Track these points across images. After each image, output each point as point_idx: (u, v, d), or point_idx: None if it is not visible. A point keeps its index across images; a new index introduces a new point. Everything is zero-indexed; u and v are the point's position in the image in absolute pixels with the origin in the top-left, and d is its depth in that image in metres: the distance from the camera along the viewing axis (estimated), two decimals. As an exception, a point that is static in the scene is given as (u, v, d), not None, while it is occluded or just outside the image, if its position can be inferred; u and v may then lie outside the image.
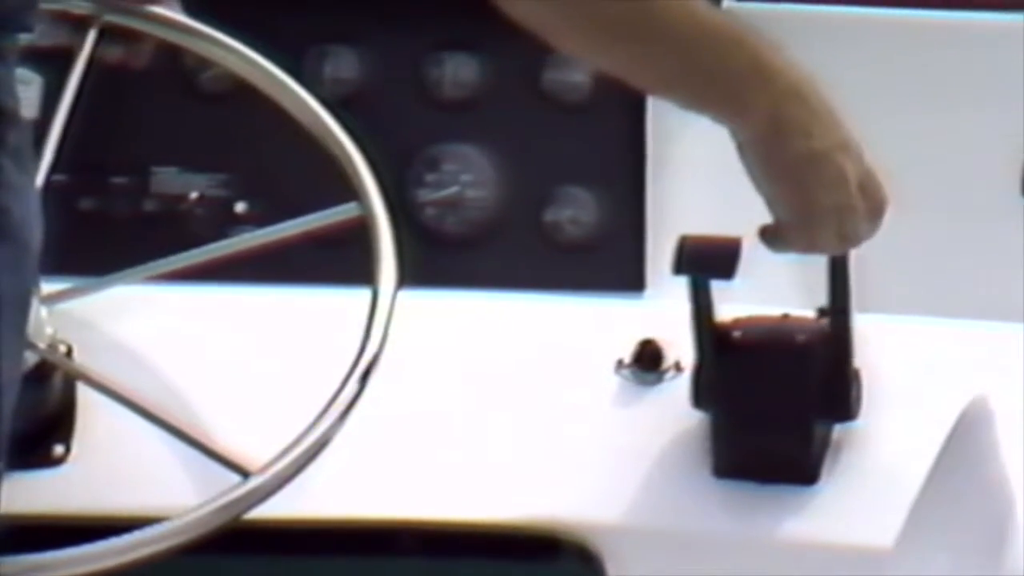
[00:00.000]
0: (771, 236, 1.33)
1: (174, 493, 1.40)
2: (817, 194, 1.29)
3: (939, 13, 1.67)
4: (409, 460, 1.48)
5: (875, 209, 1.32)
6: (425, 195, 1.64)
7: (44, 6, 1.48)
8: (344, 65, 1.67)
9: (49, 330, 1.45)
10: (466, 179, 1.66)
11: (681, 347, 1.49)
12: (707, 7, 1.25)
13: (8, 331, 1.12)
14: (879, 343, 1.48)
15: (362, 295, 1.43)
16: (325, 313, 1.53)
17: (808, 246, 1.32)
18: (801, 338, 1.44)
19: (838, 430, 1.48)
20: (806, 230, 1.31)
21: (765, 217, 1.34)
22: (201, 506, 1.34)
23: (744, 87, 1.27)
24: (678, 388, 1.50)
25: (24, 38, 1.13)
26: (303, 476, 1.36)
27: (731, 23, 1.27)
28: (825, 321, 1.45)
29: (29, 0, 1.14)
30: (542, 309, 1.57)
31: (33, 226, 1.15)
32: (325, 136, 1.47)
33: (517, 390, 1.52)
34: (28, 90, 1.63)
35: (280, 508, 1.37)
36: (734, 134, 1.29)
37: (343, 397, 1.38)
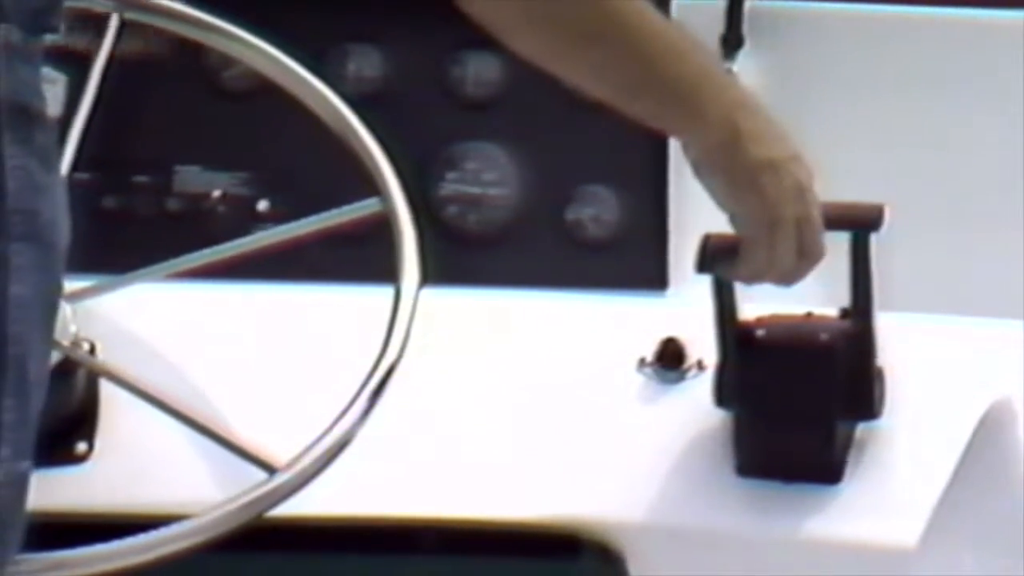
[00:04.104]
0: (723, 260, 1.33)
1: (196, 490, 1.40)
2: (778, 203, 1.30)
3: (963, 11, 1.67)
4: (431, 458, 1.48)
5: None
6: (447, 193, 1.65)
7: (66, 4, 1.49)
8: (367, 64, 1.68)
9: (72, 327, 1.46)
10: (488, 178, 1.66)
11: (703, 346, 1.49)
12: (660, 15, 1.26)
13: (36, 332, 1.12)
14: (902, 342, 1.48)
15: (385, 293, 1.43)
16: (348, 311, 1.53)
17: (768, 261, 1.32)
18: (824, 337, 1.44)
19: (861, 429, 1.48)
20: (768, 242, 1.31)
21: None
22: (225, 503, 1.34)
23: (700, 93, 1.27)
24: (700, 387, 1.50)
25: (49, 38, 1.13)
26: (325, 474, 1.36)
27: (682, 32, 1.28)
28: (848, 320, 1.45)
29: (53, 0, 1.15)
30: (564, 307, 1.57)
31: (60, 226, 1.15)
32: (348, 134, 1.48)
33: (539, 388, 1.52)
34: (53, 89, 1.63)
35: (302, 506, 1.37)
36: (690, 148, 1.30)
37: (365, 395, 1.39)
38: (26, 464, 1.12)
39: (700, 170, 1.30)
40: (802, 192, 1.31)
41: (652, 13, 1.26)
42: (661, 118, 1.30)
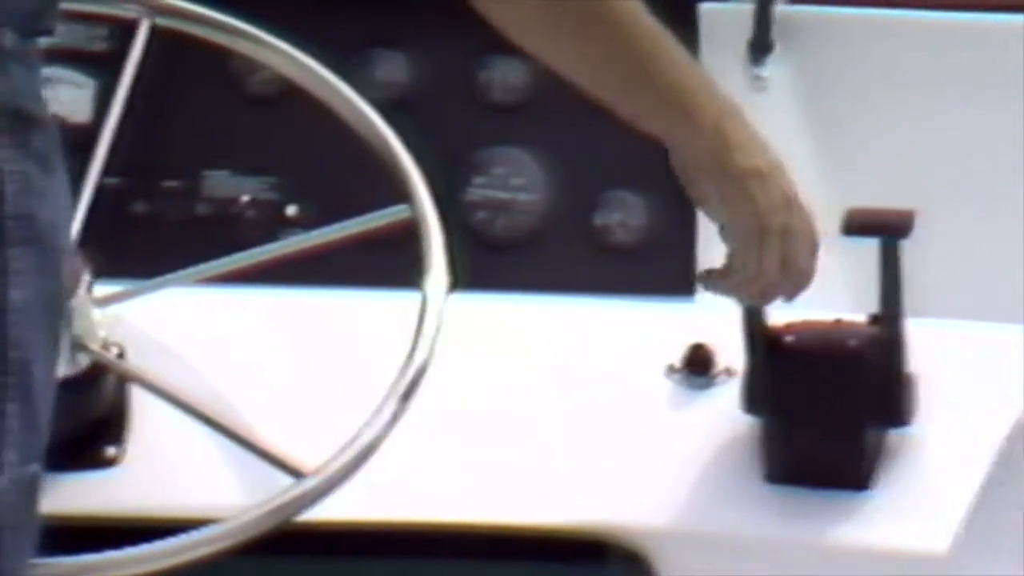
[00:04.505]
0: (715, 275, 1.33)
1: (225, 494, 1.41)
2: (766, 212, 1.30)
3: (993, 16, 1.67)
4: (458, 463, 1.48)
5: (810, 237, 1.33)
6: (475, 198, 1.65)
7: (95, 9, 1.49)
8: (394, 68, 1.68)
9: (102, 332, 1.46)
10: (516, 183, 1.66)
11: (732, 351, 1.49)
12: (653, 20, 1.27)
13: (39, 335, 1.12)
14: (933, 348, 1.47)
15: (412, 298, 1.43)
16: (375, 316, 1.53)
17: (753, 274, 1.32)
18: (854, 343, 1.43)
19: (892, 436, 1.47)
20: (755, 252, 1.31)
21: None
22: (253, 508, 1.34)
23: (690, 98, 1.28)
24: (728, 392, 1.49)
25: (44, 41, 1.13)
26: (353, 478, 1.37)
27: (672, 39, 1.29)
28: (878, 326, 1.45)
29: (46, 3, 1.14)
30: (592, 313, 1.57)
31: (61, 228, 1.15)
32: (375, 139, 1.48)
33: (566, 394, 1.52)
34: (80, 94, 1.64)
35: (329, 511, 1.37)
36: (679, 155, 1.30)
37: (393, 400, 1.38)
38: (35, 468, 1.12)
39: (690, 179, 1.31)
40: (788, 202, 1.31)
41: (646, 16, 1.27)
42: (653, 119, 1.30)
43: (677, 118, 1.29)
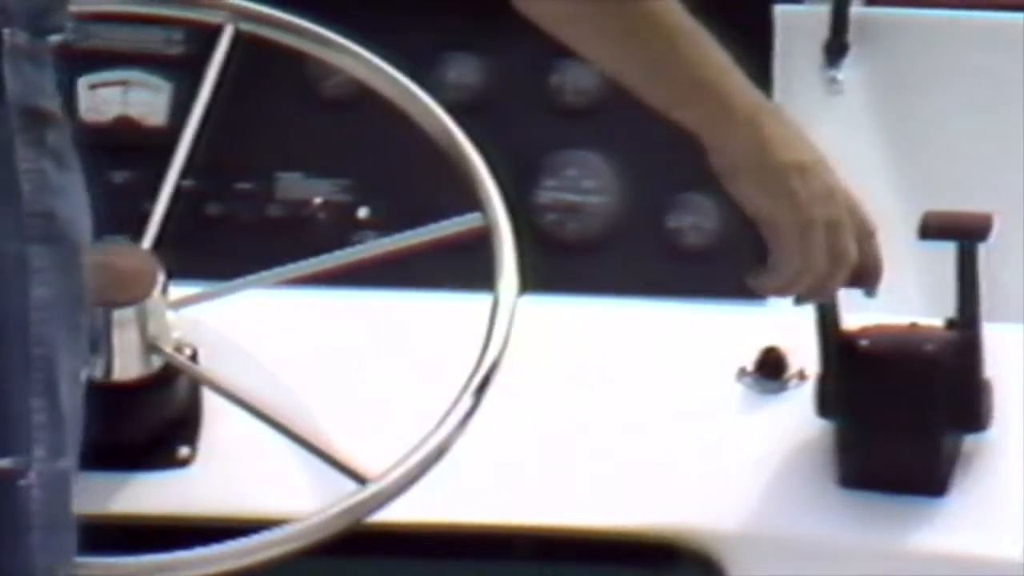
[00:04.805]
0: (762, 272, 1.33)
1: (295, 496, 1.41)
2: (809, 206, 1.30)
3: None
4: (528, 465, 1.48)
5: (861, 228, 1.33)
6: (546, 201, 1.64)
7: (179, 14, 1.50)
8: (467, 71, 1.68)
9: (176, 334, 1.47)
10: (587, 185, 1.66)
11: (805, 355, 1.48)
12: (689, 17, 1.28)
13: (62, 331, 1.13)
14: (1010, 353, 1.46)
15: (482, 300, 1.43)
16: (445, 318, 1.53)
17: (800, 269, 1.32)
18: (930, 348, 1.42)
19: (968, 441, 1.46)
20: (799, 247, 1.31)
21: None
22: (323, 510, 1.34)
23: (724, 86, 1.29)
24: (801, 396, 1.49)
25: (55, 39, 1.13)
26: (422, 480, 1.37)
27: (705, 32, 1.29)
28: (954, 331, 1.44)
29: (56, 1, 1.14)
30: (663, 316, 1.57)
31: (80, 224, 1.16)
32: (448, 142, 1.48)
33: (638, 396, 1.51)
34: (157, 97, 1.65)
35: (398, 512, 1.37)
36: (717, 154, 1.31)
37: (463, 404, 1.39)
38: (65, 463, 1.13)
39: (729, 177, 1.31)
40: (831, 194, 1.30)
41: (679, 10, 1.27)
42: (685, 107, 1.30)
43: (711, 113, 1.29)
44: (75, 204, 1.14)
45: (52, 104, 1.13)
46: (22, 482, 1.10)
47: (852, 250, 1.32)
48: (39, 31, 1.12)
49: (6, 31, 1.09)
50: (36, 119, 1.11)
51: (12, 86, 1.10)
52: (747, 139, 1.29)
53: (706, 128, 1.31)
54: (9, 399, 1.11)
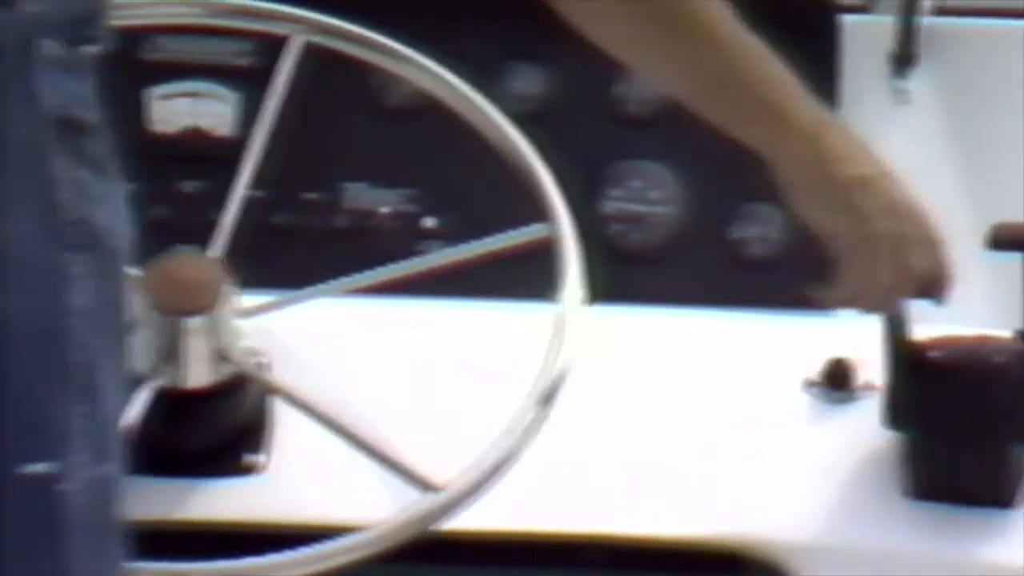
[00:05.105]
0: (827, 287, 1.33)
1: (363, 504, 1.42)
2: (872, 220, 1.30)
3: None
4: (594, 474, 1.48)
5: (927, 240, 1.32)
6: (610, 211, 1.66)
7: (248, 26, 1.51)
8: (531, 82, 1.69)
9: (245, 343, 1.48)
10: (652, 196, 1.67)
11: (872, 366, 1.48)
12: (746, 32, 1.27)
13: (101, 337, 1.14)
14: None
15: (548, 310, 1.44)
16: (512, 328, 1.54)
17: (866, 283, 1.31)
18: (999, 359, 1.42)
19: None
20: (864, 261, 1.31)
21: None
22: (393, 518, 1.35)
23: (783, 100, 1.28)
24: (868, 407, 1.48)
25: (90, 50, 1.14)
26: (489, 489, 1.37)
27: (764, 46, 1.29)
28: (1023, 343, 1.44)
29: (92, 11, 1.15)
30: (729, 326, 1.57)
31: (120, 232, 1.16)
32: (512, 152, 1.49)
33: (702, 406, 1.52)
34: (224, 108, 1.67)
35: (465, 521, 1.38)
36: (780, 169, 1.30)
37: (529, 413, 1.39)
38: (108, 469, 1.13)
39: (792, 192, 1.30)
40: (895, 208, 1.30)
41: (735, 25, 1.27)
42: (746, 126, 1.30)
43: (773, 130, 1.29)
44: (114, 213, 1.15)
45: (90, 114, 1.13)
46: (59, 487, 1.11)
47: (917, 264, 1.31)
48: (75, 41, 1.12)
49: (43, 42, 1.10)
50: (73, 128, 1.12)
51: (48, 96, 1.10)
52: (809, 154, 1.29)
53: (768, 145, 1.31)
54: (46, 405, 1.12)
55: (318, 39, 1.53)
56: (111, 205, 1.14)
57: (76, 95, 1.12)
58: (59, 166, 1.11)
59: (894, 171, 1.31)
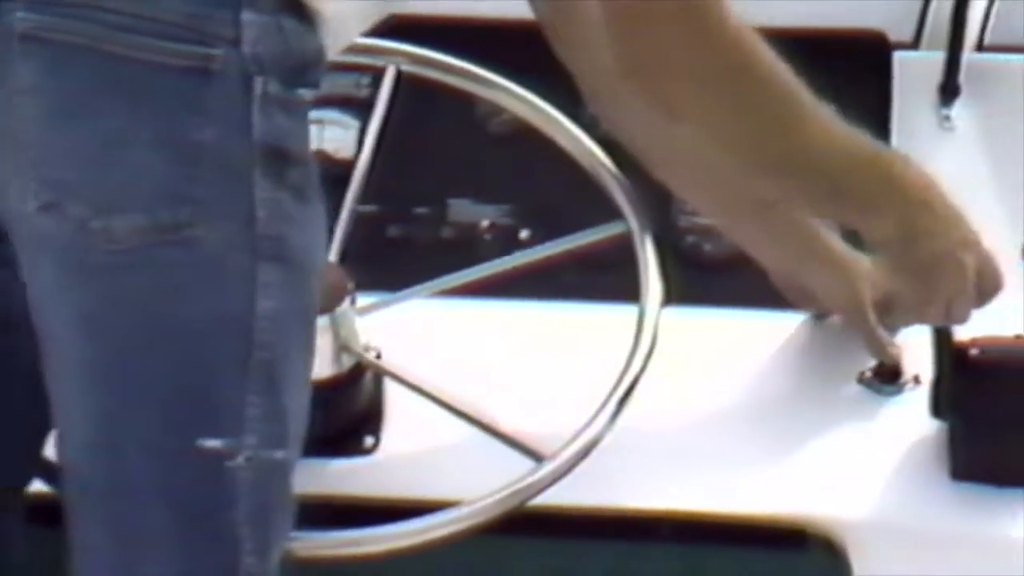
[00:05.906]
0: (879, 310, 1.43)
1: (468, 480, 1.51)
2: (938, 285, 1.40)
3: None
4: (671, 458, 1.58)
5: (986, 293, 1.42)
6: (685, 224, 1.75)
7: (346, 60, 1.67)
8: None
9: (363, 337, 1.60)
10: None
11: (919, 361, 1.59)
12: (845, 129, 1.33)
13: (286, 341, 1.22)
14: None
15: (632, 311, 1.55)
16: (596, 327, 1.64)
17: (912, 323, 1.44)
18: None
19: None
20: (919, 312, 1.42)
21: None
22: (495, 492, 1.46)
23: (876, 201, 1.36)
24: (917, 399, 1.59)
25: (307, 93, 1.23)
26: (576, 470, 1.48)
27: (864, 141, 1.34)
28: None
29: (313, 60, 1.23)
30: (792, 326, 1.67)
31: (314, 253, 1.25)
32: (597, 171, 1.62)
33: (767, 398, 1.62)
34: (347, 134, 1.80)
35: (556, 497, 1.49)
36: (864, 236, 1.39)
37: (613, 401, 1.50)
38: (280, 453, 1.23)
39: (872, 250, 1.41)
40: (962, 272, 1.39)
41: (838, 132, 1.32)
42: (836, 221, 1.41)
43: (861, 218, 1.37)
44: (311, 235, 1.24)
45: (298, 147, 1.22)
46: (230, 463, 1.20)
47: (967, 315, 1.41)
48: (293, 84, 1.22)
49: (259, 79, 1.20)
50: (279, 156, 1.21)
51: (259, 127, 1.19)
52: (890, 234, 1.36)
53: (852, 226, 1.39)
54: (222, 390, 1.21)
55: (415, 69, 1.64)
56: (308, 227, 1.23)
57: (287, 130, 1.21)
58: (261, 187, 1.20)
59: (973, 234, 1.37)
